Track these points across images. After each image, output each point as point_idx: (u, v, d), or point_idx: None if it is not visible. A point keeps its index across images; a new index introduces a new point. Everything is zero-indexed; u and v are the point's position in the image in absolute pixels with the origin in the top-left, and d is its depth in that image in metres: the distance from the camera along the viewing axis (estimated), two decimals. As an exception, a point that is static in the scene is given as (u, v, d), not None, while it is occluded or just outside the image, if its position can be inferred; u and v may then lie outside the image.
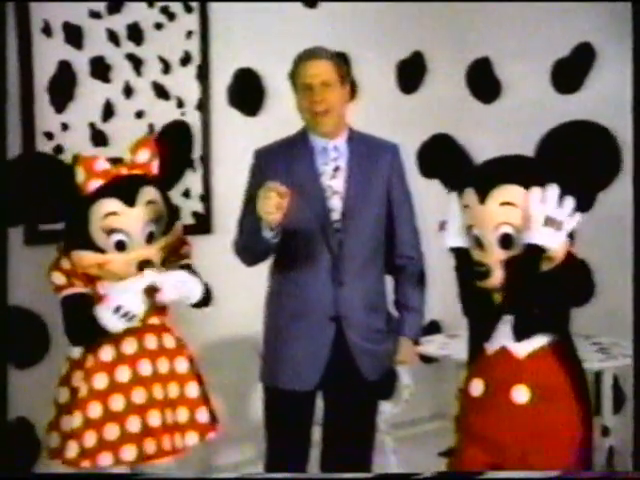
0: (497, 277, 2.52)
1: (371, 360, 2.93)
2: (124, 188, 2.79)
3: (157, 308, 2.93)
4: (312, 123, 2.89)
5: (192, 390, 2.95)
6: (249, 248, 2.90)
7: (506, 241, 2.51)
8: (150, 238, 2.82)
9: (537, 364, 2.56)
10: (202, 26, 4.18)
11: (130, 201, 2.78)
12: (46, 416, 3.34)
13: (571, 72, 4.57)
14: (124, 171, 2.86)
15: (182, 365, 2.96)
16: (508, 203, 2.50)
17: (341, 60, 3.00)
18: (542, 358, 2.56)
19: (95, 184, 2.78)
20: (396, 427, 4.40)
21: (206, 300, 2.98)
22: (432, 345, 3.99)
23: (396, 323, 3.04)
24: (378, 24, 4.79)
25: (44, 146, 3.70)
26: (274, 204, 2.61)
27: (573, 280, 2.56)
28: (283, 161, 2.90)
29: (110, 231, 2.75)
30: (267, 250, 2.84)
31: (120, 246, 2.76)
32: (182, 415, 2.91)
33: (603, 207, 4.41)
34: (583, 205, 4.51)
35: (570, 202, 2.49)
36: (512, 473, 2.64)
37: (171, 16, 4.10)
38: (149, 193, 2.83)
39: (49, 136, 3.73)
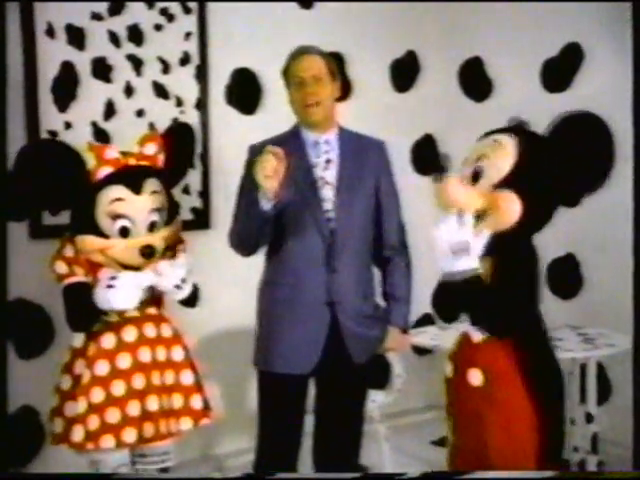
0: (446, 188, 2.62)
1: (362, 345, 3.03)
2: (131, 177, 2.91)
3: (154, 299, 3.04)
4: (303, 114, 2.99)
5: (187, 378, 3.06)
6: (246, 229, 2.93)
7: (475, 175, 2.64)
8: (152, 227, 2.93)
9: (491, 349, 2.65)
10: (200, 27, 4.27)
11: (136, 189, 2.90)
12: (50, 404, 3.46)
13: (560, 71, 4.65)
14: (132, 161, 2.98)
15: (178, 353, 3.07)
16: (496, 141, 2.65)
17: (331, 57, 3.09)
18: (497, 344, 2.64)
19: (104, 171, 2.90)
20: (390, 417, 4.50)
21: (193, 299, 3.10)
22: (424, 336, 4.09)
23: (385, 313, 3.14)
24: (372, 24, 4.88)
25: (48, 144, 3.80)
26: (272, 167, 2.71)
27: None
28: None
29: (115, 217, 2.86)
30: (263, 229, 2.88)
31: (124, 232, 2.87)
32: (177, 401, 3.02)
33: (589, 203, 4.55)
34: (570, 201, 4.65)
35: (469, 219, 2.52)
36: (499, 473, 2.72)
37: (170, 17, 4.19)
38: (154, 184, 2.95)
39: (53, 134, 3.83)
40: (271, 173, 2.71)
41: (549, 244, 4.57)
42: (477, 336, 2.69)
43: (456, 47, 5.15)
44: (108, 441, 2.87)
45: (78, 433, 2.87)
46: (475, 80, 5.12)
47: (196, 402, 3.08)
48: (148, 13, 4.13)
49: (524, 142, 2.63)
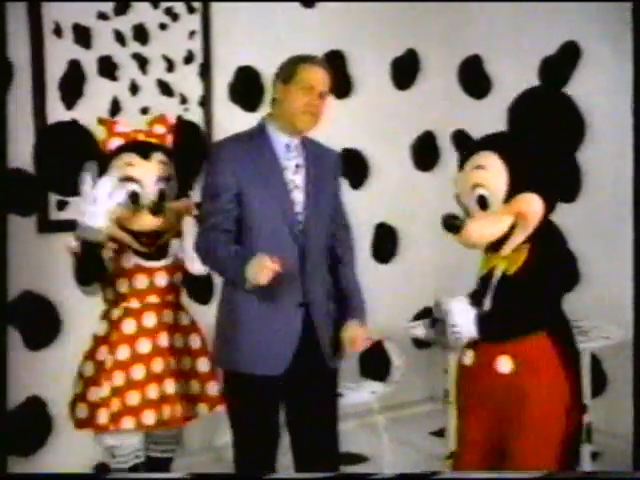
0: (474, 235, 2.70)
1: (331, 342, 3.04)
2: (140, 146, 3.08)
3: (172, 286, 3.14)
4: (298, 119, 2.97)
5: (204, 365, 3.16)
6: (218, 271, 2.99)
7: (482, 202, 2.70)
8: (162, 197, 3.06)
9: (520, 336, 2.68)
10: (204, 26, 4.36)
11: (145, 155, 3.06)
12: (58, 394, 3.53)
13: (558, 69, 4.72)
14: (141, 136, 3.14)
15: (196, 341, 3.18)
16: (480, 166, 2.70)
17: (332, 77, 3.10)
18: None
19: (115, 142, 3.07)
20: (390, 409, 4.59)
21: (207, 294, 3.21)
22: (420, 329, 4.16)
23: (344, 309, 3.10)
24: (373, 23, 4.95)
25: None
26: (266, 277, 2.76)
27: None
28: (247, 155, 2.99)
29: (126, 180, 2.99)
30: None
31: (134, 197, 3.00)
32: (194, 387, 3.12)
33: (586, 199, 4.63)
34: (568, 196, 4.73)
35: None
36: (478, 473, 2.81)
37: (175, 17, 4.28)
38: (162, 156, 3.10)
39: (59, 131, 3.93)
40: (264, 281, 2.77)
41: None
42: None
43: (456, 45, 5.21)
44: (129, 422, 2.96)
45: (103, 416, 2.95)
46: (474, 78, 5.18)
47: (212, 389, 3.17)
48: (153, 12, 4.22)
49: (505, 154, 2.69)
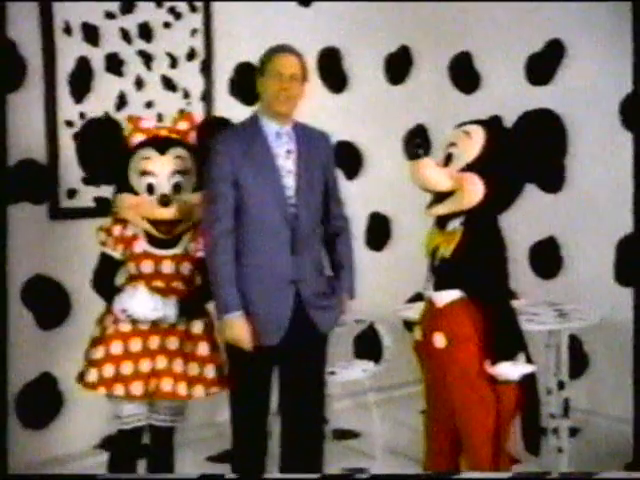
0: (422, 170, 2.94)
1: (324, 315, 3.28)
2: (159, 142, 3.27)
3: (178, 274, 3.29)
4: (274, 104, 3.17)
5: (203, 349, 3.32)
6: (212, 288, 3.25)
7: (447, 159, 2.94)
8: (177, 189, 3.24)
9: (454, 314, 2.90)
10: (206, 24, 4.55)
11: (161, 150, 3.24)
12: (67, 371, 3.70)
13: (543, 66, 4.92)
14: (164, 132, 3.32)
15: (198, 327, 3.32)
16: (467, 132, 2.93)
17: (305, 61, 3.27)
18: (459, 309, 2.90)
19: (138, 138, 3.26)
20: (382, 389, 4.80)
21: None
22: (410, 311, 4.36)
23: (335, 282, 3.36)
24: (367, 21, 5.15)
25: (65, 133, 4.10)
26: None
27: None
28: (240, 144, 3.19)
29: (143, 173, 3.20)
30: None
31: (150, 188, 3.20)
32: (193, 369, 3.27)
33: (569, 189, 4.84)
34: (552, 187, 4.93)
35: None
36: (470, 473, 2.99)
37: (178, 15, 4.47)
38: (180, 151, 3.28)
39: (69, 124, 4.13)
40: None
41: (532, 227, 4.90)
42: (440, 301, 2.95)
43: (446, 42, 5.41)
44: (120, 389, 3.16)
45: (92, 375, 3.16)
46: (464, 74, 5.39)
47: (210, 372, 3.32)
48: (157, 12, 4.41)
49: (491, 133, 2.92)
